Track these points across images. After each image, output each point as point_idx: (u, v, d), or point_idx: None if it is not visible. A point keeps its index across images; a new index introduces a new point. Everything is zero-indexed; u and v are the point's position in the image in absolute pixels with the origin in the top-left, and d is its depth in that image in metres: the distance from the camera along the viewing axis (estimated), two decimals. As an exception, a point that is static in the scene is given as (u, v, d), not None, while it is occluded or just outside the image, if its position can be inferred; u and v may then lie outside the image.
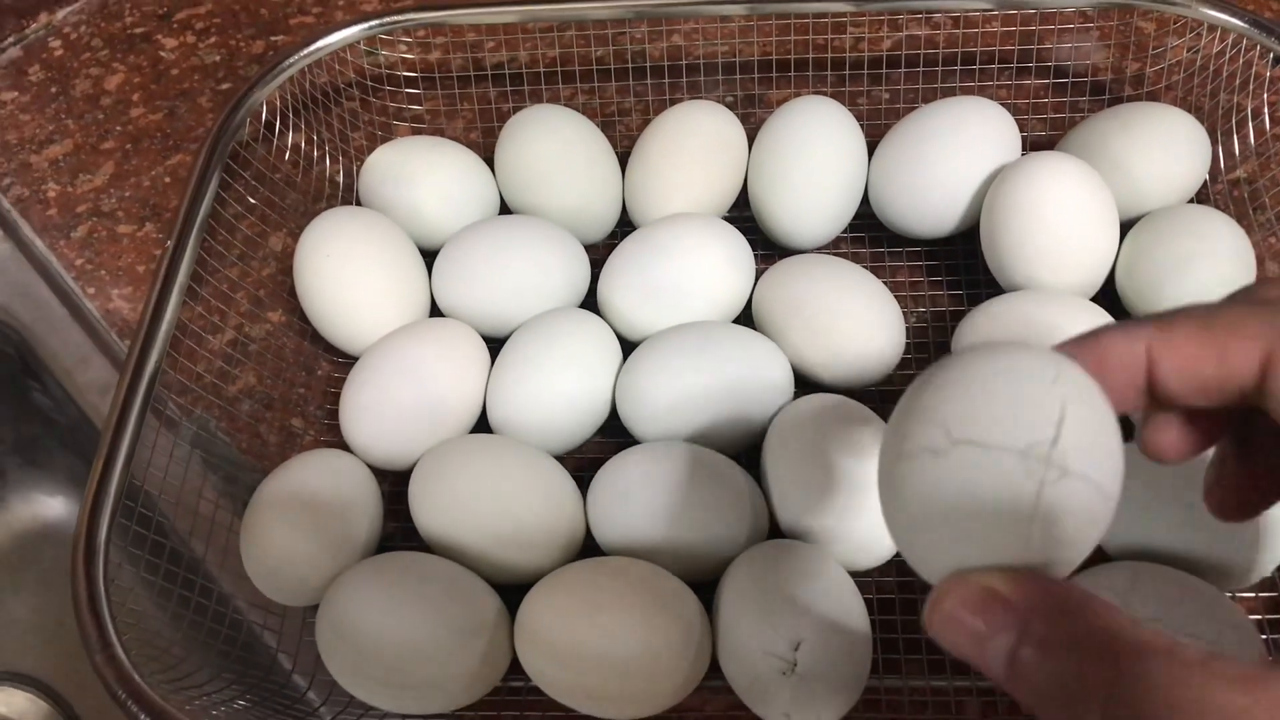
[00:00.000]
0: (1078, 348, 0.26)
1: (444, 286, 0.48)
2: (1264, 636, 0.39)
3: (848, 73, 0.54)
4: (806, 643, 0.36)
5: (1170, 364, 0.25)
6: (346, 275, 0.47)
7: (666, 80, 0.55)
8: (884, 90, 0.55)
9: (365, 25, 0.52)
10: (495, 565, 0.40)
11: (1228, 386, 0.25)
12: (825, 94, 0.52)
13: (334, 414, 0.46)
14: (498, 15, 0.52)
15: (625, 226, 0.51)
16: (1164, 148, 0.47)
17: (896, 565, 0.41)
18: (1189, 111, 0.49)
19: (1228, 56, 0.49)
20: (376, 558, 0.40)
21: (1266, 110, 0.49)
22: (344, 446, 0.45)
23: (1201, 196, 0.50)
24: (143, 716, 0.34)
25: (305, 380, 0.49)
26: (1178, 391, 0.25)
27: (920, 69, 0.54)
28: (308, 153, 0.54)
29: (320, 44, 0.51)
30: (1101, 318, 0.43)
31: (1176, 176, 0.47)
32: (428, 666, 0.37)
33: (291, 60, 0.51)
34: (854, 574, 0.40)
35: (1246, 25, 0.47)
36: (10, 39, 0.63)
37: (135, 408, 0.40)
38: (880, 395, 0.46)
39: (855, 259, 0.49)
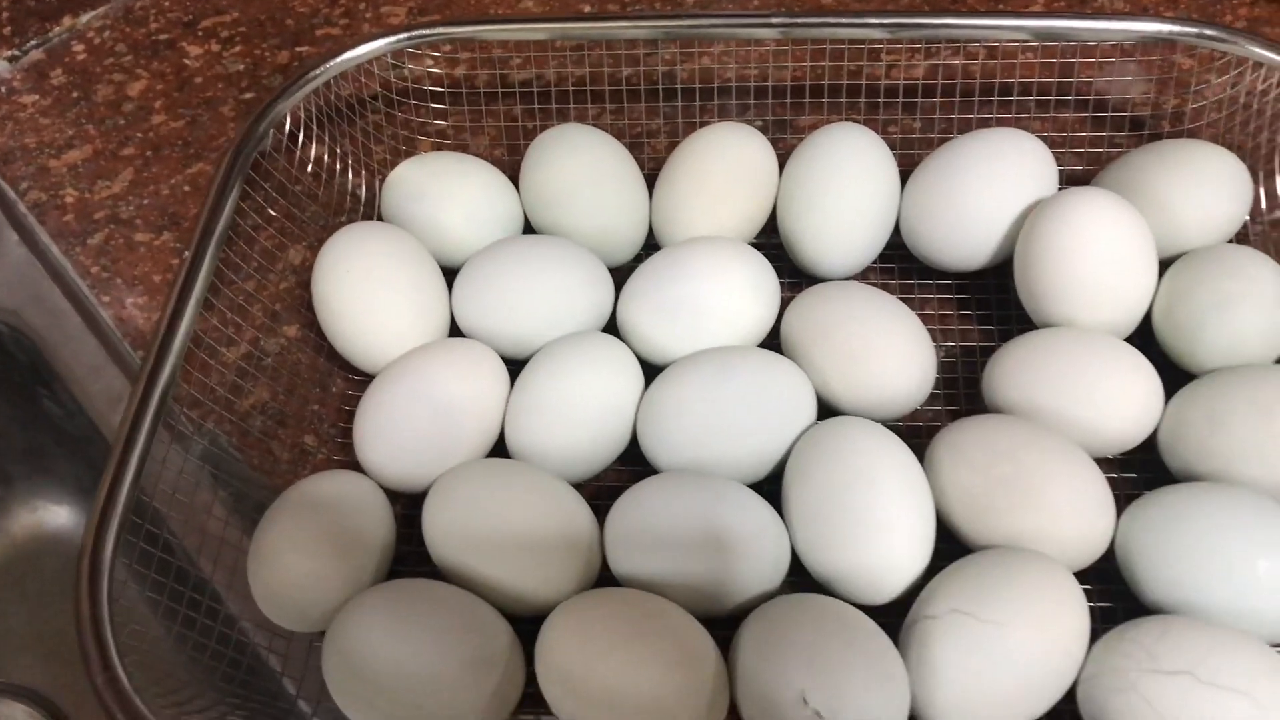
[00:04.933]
0: None
1: (464, 306, 0.47)
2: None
3: (881, 100, 0.53)
4: (837, 696, 0.34)
5: None
6: (365, 291, 0.46)
7: (695, 103, 0.54)
8: (915, 119, 0.54)
9: (393, 39, 0.51)
10: (507, 594, 0.39)
11: None
12: (856, 120, 0.51)
13: (348, 432, 0.45)
14: (526, 32, 0.52)
15: (651, 250, 0.50)
16: (1204, 185, 0.46)
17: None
18: (1229, 149, 0.48)
19: (1273, 95, 0.48)
20: (386, 584, 0.39)
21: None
22: (357, 466, 0.44)
23: (1241, 237, 0.49)
24: (143, 741, 0.33)
25: (320, 397, 0.48)
26: None
27: (954, 99, 0.53)
28: (329, 165, 0.53)
29: (346, 56, 0.51)
30: (1136, 359, 0.42)
31: (1217, 215, 0.46)
32: (437, 700, 0.36)
33: (317, 72, 0.50)
34: (878, 610, 0.38)
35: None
36: (33, 42, 0.63)
37: (147, 421, 0.39)
38: (908, 430, 0.45)
39: (885, 289, 0.48)
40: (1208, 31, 0.48)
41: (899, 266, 0.50)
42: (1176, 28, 0.48)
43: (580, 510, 0.41)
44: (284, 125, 0.50)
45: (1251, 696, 0.34)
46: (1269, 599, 0.37)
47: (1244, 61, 0.48)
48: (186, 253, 0.44)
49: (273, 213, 0.51)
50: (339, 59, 0.51)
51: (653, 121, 0.55)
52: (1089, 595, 0.38)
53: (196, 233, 0.45)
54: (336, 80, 0.51)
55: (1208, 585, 0.37)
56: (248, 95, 0.60)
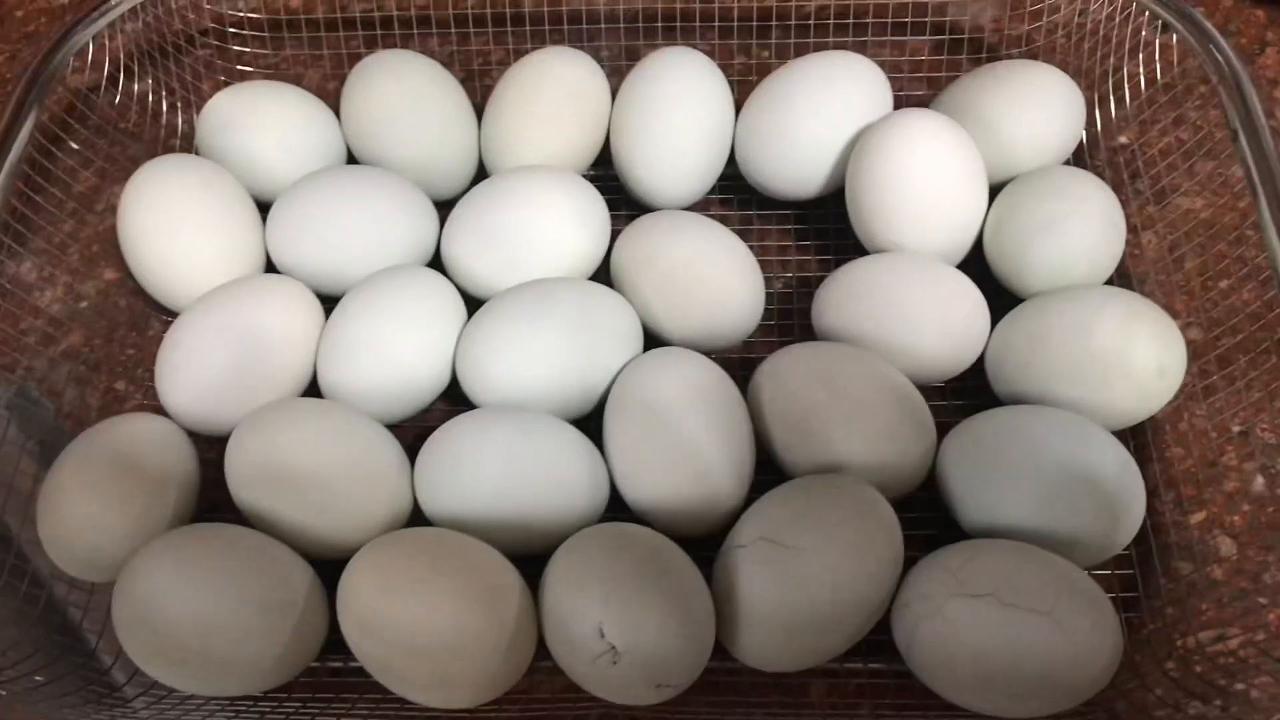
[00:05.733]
0: None
1: (278, 241, 0.45)
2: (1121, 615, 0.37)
3: (736, 26, 0.52)
4: (633, 630, 0.33)
5: None
6: (171, 228, 0.44)
7: (539, 28, 0.52)
8: (764, 48, 0.53)
9: (209, -34, 0.49)
10: (312, 538, 0.38)
11: None
12: (704, 50, 0.49)
13: (155, 374, 0.43)
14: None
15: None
16: (1037, 107, 0.45)
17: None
18: (1072, 74, 0.48)
19: (1117, 21, 0.48)
20: (179, 530, 0.37)
21: (1145, 75, 0.47)
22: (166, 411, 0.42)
23: (1079, 161, 0.48)
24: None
25: (136, 341, 0.46)
26: None
27: (807, 22, 0.51)
28: (155, 103, 0.51)
29: (158, -17, 0.48)
30: (961, 283, 0.41)
31: (1049, 137, 0.45)
32: (227, 646, 0.35)
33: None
34: (695, 546, 0.37)
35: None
36: None
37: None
38: (742, 362, 0.44)
39: (724, 220, 0.47)
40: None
41: (738, 197, 0.49)
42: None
43: (390, 450, 0.40)
44: (87, 53, 0.47)
45: (1052, 616, 0.33)
46: (1081, 521, 0.36)
47: (1085, -17, 0.48)
48: (-25, 187, 0.42)
49: (79, 149, 0.48)
50: (149, -13, 0.48)
51: (496, 50, 0.53)
52: (913, 523, 0.38)
53: (-11, 165, 0.42)
54: (151, 6, 0.49)
55: (1022, 509, 0.37)
56: (71, 29, 0.57)
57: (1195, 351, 0.41)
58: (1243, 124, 0.40)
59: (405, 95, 0.47)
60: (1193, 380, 0.41)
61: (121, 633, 0.36)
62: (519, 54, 0.52)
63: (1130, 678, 0.36)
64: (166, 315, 0.46)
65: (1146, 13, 0.46)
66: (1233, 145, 0.41)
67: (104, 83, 0.49)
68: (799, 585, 0.34)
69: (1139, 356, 0.38)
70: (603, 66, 0.50)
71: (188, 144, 0.51)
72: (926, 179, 0.42)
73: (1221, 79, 0.42)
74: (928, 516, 0.39)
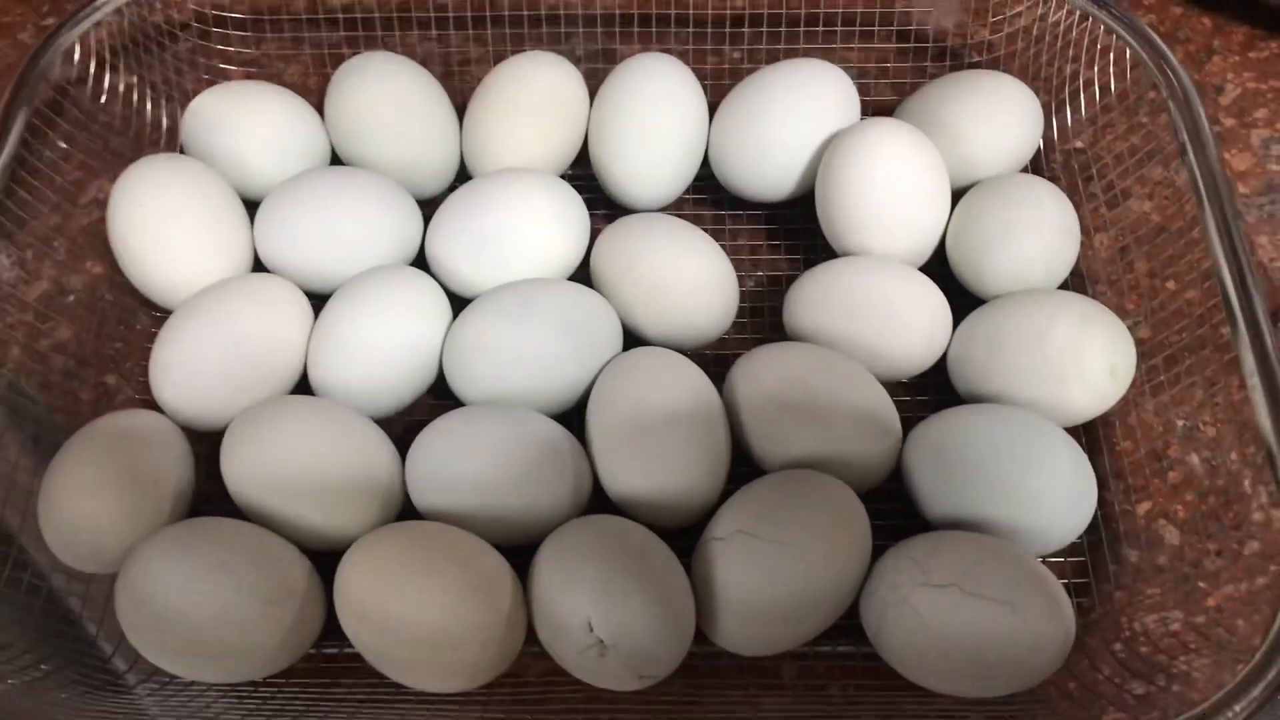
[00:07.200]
0: None
1: (266, 240, 0.46)
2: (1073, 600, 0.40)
3: (709, 30, 0.53)
4: (616, 620, 0.35)
5: None
6: (161, 227, 0.45)
7: (520, 30, 0.54)
8: (735, 50, 0.54)
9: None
10: (307, 531, 0.39)
11: None
12: (677, 51, 0.51)
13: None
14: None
15: (464, 183, 0.49)
16: (996, 115, 0.47)
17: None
18: (1031, 80, 0.50)
19: (1063, 26, 0.50)
20: (179, 524, 0.38)
21: (1101, 81, 0.49)
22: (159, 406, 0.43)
23: (1037, 166, 0.50)
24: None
25: (124, 335, 0.47)
26: None
27: (777, 29, 0.53)
28: (138, 97, 0.52)
29: (140, -18, 0.49)
30: (925, 285, 0.43)
31: (1008, 144, 0.47)
32: (229, 635, 0.36)
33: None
34: (673, 536, 0.39)
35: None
36: None
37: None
38: (715, 359, 0.45)
39: (697, 221, 0.48)
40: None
41: (711, 198, 0.51)
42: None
43: (380, 445, 0.41)
44: (74, 53, 0.48)
45: (1011, 604, 0.36)
46: (1036, 513, 0.39)
47: (1039, -8, 0.50)
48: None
49: (65, 145, 0.49)
50: (131, -15, 0.49)
51: (473, 49, 0.55)
52: (880, 514, 0.40)
53: (-22, 164, 0.43)
54: (135, 6, 0.49)
55: (982, 501, 0.39)
56: (48, 21, 0.57)
57: (1144, 349, 0.44)
58: (1190, 139, 0.43)
59: (389, 97, 0.48)
60: (1141, 377, 0.43)
61: (125, 622, 0.37)
62: (497, 53, 0.53)
63: (1081, 658, 0.38)
64: (154, 310, 0.47)
65: (1102, 26, 0.48)
66: (1181, 158, 0.43)
67: (83, 75, 0.50)
68: (775, 575, 0.36)
69: (1092, 359, 0.41)
70: (578, 66, 0.51)
71: (170, 137, 0.52)
72: (892, 186, 0.44)
73: (1172, 94, 0.44)
74: (894, 508, 0.42)
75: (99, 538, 0.39)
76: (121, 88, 0.51)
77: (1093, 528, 0.41)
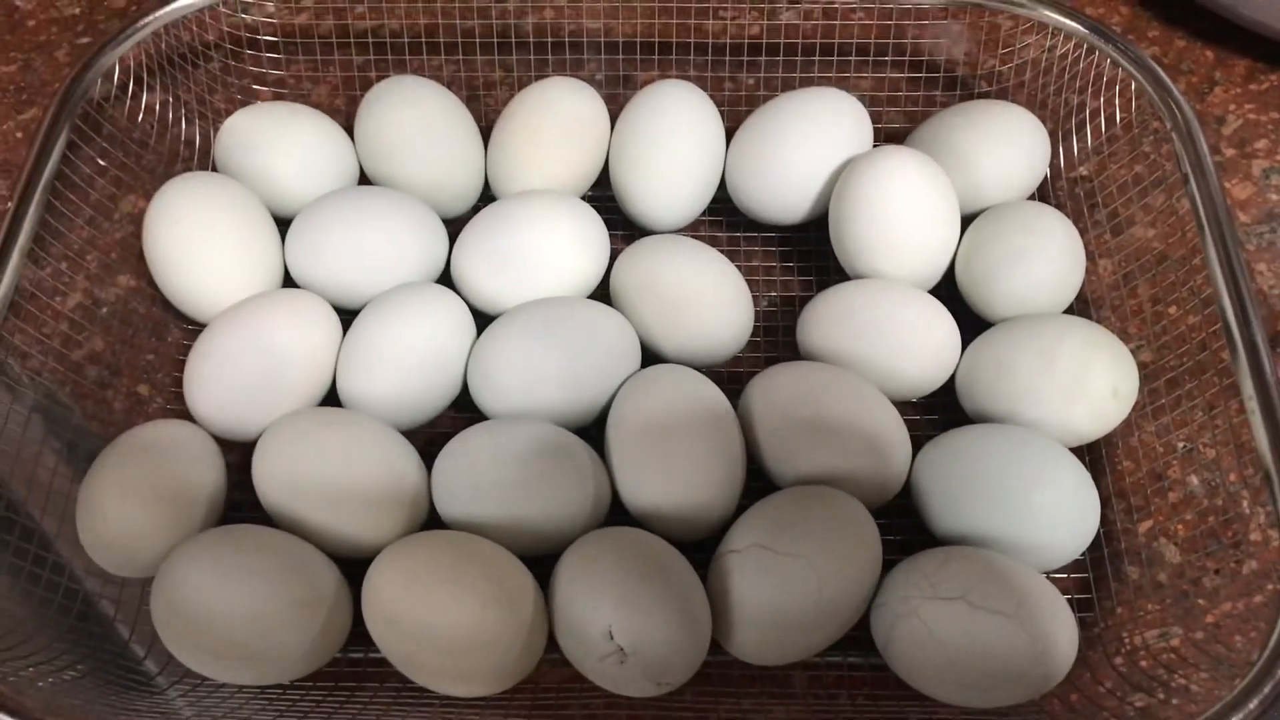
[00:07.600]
0: None
1: (297, 257, 0.47)
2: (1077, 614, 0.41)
3: (727, 59, 0.55)
4: (636, 629, 0.37)
5: None
6: (196, 243, 0.46)
7: (542, 56, 0.55)
8: (751, 76, 0.56)
9: (227, -14, 0.51)
10: (336, 539, 0.41)
11: None
12: (694, 77, 0.53)
13: (183, 382, 0.46)
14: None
15: (489, 201, 0.51)
16: (1005, 144, 0.49)
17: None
18: (1038, 109, 0.51)
19: (1070, 58, 0.51)
20: (212, 531, 0.40)
21: (1107, 111, 0.51)
22: (191, 416, 0.45)
23: (1044, 193, 0.52)
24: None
25: (155, 346, 0.49)
26: None
27: (791, 58, 0.54)
28: (168, 114, 0.53)
29: (179, 4, 0.50)
30: (936, 309, 0.45)
31: (1016, 173, 0.49)
32: (260, 639, 0.38)
33: (149, 19, 0.50)
34: (689, 548, 0.41)
35: (1085, 30, 0.49)
36: None
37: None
38: (730, 376, 0.47)
39: (714, 242, 0.50)
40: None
41: (727, 220, 0.52)
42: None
43: (407, 456, 0.43)
44: (113, 74, 0.49)
45: (1016, 618, 0.37)
46: (1041, 530, 0.40)
47: (1046, 25, 0.51)
48: (10, 203, 0.44)
49: (102, 163, 0.50)
50: (173, 6, 0.50)
51: (494, 74, 0.56)
52: (890, 529, 0.42)
53: (20, 181, 0.44)
54: (171, 28, 0.51)
55: (989, 518, 0.40)
56: (84, 40, 0.59)
57: (1146, 372, 0.45)
58: (1193, 168, 0.44)
59: (417, 119, 0.49)
60: (1143, 399, 0.45)
61: (160, 625, 0.38)
62: (520, 77, 0.55)
63: (1083, 671, 0.40)
64: (185, 323, 0.49)
65: (1108, 59, 0.50)
66: (1184, 187, 0.45)
67: (116, 92, 0.51)
68: (788, 587, 0.38)
69: (1096, 381, 0.42)
70: (599, 91, 0.52)
71: (201, 155, 0.53)
72: (904, 212, 0.45)
73: (1175, 125, 0.46)
74: (904, 523, 0.43)
75: (134, 543, 0.40)
76: (156, 105, 0.52)
77: (1095, 545, 0.42)
